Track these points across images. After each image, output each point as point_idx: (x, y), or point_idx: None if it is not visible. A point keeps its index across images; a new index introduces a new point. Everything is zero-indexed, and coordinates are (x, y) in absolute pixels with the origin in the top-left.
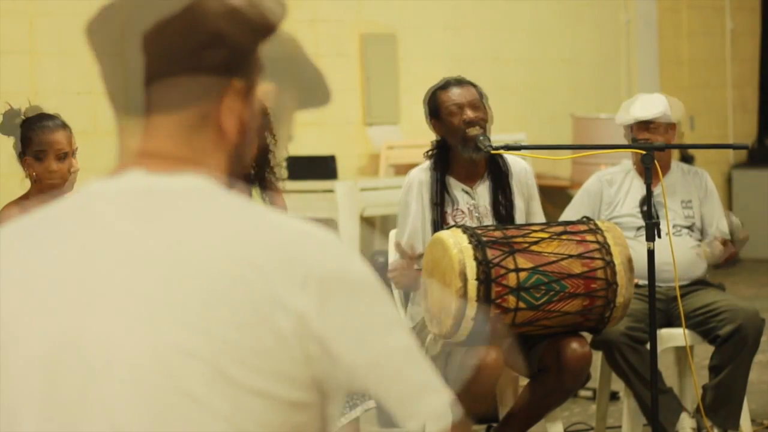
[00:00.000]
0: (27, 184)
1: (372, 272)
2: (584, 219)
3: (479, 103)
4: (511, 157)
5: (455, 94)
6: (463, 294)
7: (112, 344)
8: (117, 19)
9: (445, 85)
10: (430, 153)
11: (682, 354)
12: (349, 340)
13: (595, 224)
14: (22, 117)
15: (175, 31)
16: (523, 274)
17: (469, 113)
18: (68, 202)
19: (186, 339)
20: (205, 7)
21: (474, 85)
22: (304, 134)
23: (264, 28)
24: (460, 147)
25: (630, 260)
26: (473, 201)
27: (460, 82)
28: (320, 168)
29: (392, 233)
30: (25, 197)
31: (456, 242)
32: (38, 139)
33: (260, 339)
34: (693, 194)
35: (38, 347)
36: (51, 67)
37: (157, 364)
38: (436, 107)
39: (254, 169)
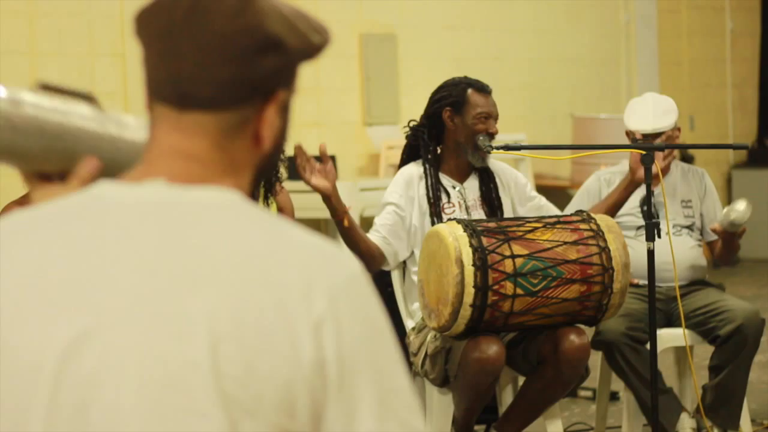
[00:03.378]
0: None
1: (384, 308)
2: (577, 212)
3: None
4: (500, 165)
5: (489, 103)
6: (461, 280)
7: (120, 353)
8: (176, 7)
9: (480, 88)
10: (412, 136)
11: (682, 354)
12: (360, 370)
13: (588, 214)
14: None
15: (234, 28)
16: (519, 261)
17: (494, 126)
18: (81, 204)
19: (196, 355)
20: (265, 10)
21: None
22: (304, 134)
23: (312, 45)
24: (469, 151)
25: (624, 246)
26: (462, 196)
27: (489, 90)
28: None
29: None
30: (27, 197)
31: (451, 231)
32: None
33: (271, 361)
34: (693, 194)
35: (44, 352)
36: (51, 67)
37: (165, 377)
38: (462, 102)
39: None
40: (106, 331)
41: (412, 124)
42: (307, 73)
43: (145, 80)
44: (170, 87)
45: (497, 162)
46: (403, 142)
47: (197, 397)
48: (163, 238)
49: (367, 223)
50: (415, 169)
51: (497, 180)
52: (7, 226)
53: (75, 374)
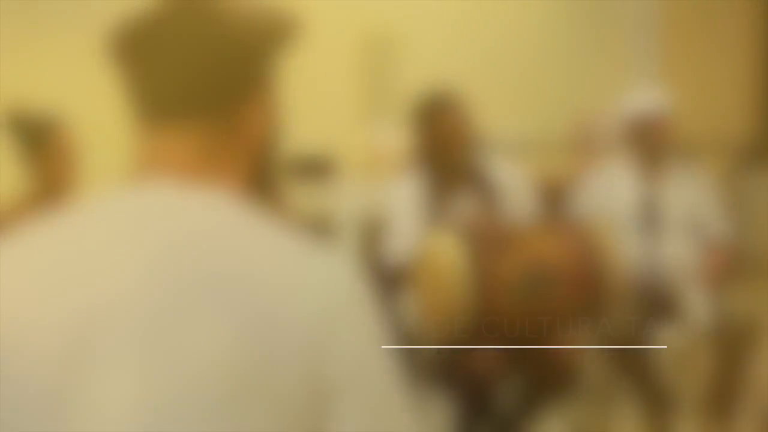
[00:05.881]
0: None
1: (377, 311)
2: (569, 214)
3: (465, 134)
4: (513, 179)
5: (447, 125)
6: (453, 286)
7: (113, 367)
8: (147, 24)
9: (440, 109)
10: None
11: (682, 354)
12: (357, 377)
13: (579, 215)
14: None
15: (202, 39)
16: (513, 264)
17: (453, 145)
18: (85, 212)
19: (194, 370)
20: (231, 16)
21: (462, 108)
22: (304, 134)
23: (285, 38)
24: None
25: (620, 244)
26: (460, 209)
27: (453, 107)
28: (320, 168)
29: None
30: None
31: (441, 240)
32: (44, 139)
33: (274, 369)
34: (692, 193)
35: (38, 363)
36: None
37: (170, 386)
38: (420, 122)
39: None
40: (106, 337)
41: None
42: (307, 73)
43: (126, 97)
44: (149, 100)
45: (506, 169)
46: (402, 142)
47: (199, 410)
48: (166, 243)
49: (367, 223)
50: (421, 180)
51: (497, 189)
52: (24, 235)
53: (73, 380)
